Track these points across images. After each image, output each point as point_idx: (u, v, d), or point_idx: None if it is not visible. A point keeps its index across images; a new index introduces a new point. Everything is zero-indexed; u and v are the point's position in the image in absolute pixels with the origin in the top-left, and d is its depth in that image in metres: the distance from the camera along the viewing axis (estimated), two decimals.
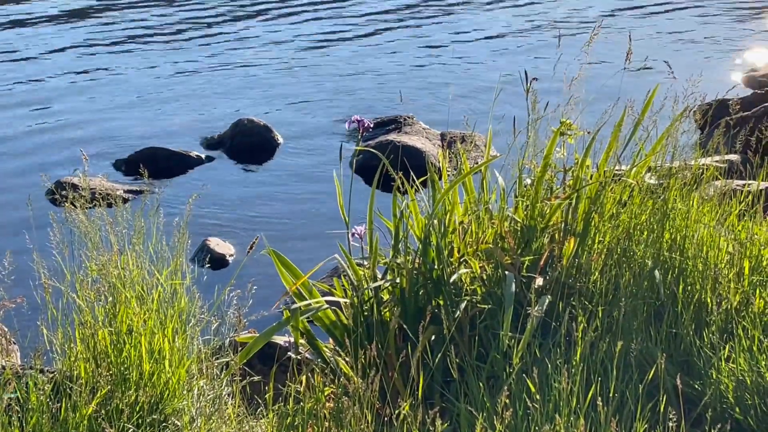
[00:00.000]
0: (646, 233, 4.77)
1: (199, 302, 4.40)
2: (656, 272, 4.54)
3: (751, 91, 10.09)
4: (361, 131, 5.08)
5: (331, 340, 4.84)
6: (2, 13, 15.33)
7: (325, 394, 4.10)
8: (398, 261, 4.64)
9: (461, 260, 4.68)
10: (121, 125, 10.47)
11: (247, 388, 4.40)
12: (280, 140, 10.02)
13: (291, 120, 10.63)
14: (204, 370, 4.23)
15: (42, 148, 9.83)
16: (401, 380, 4.31)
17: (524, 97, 4.99)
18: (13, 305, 4.19)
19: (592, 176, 4.85)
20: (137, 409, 3.95)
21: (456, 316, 4.32)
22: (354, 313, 4.55)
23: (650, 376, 3.91)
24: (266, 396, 4.19)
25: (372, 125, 5.29)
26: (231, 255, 7.51)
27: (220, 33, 14.37)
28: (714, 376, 4.13)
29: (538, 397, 3.81)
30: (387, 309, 4.66)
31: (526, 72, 5.02)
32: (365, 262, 4.79)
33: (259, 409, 4.33)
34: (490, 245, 4.67)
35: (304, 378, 4.10)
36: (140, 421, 3.93)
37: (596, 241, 4.78)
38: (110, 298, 4.18)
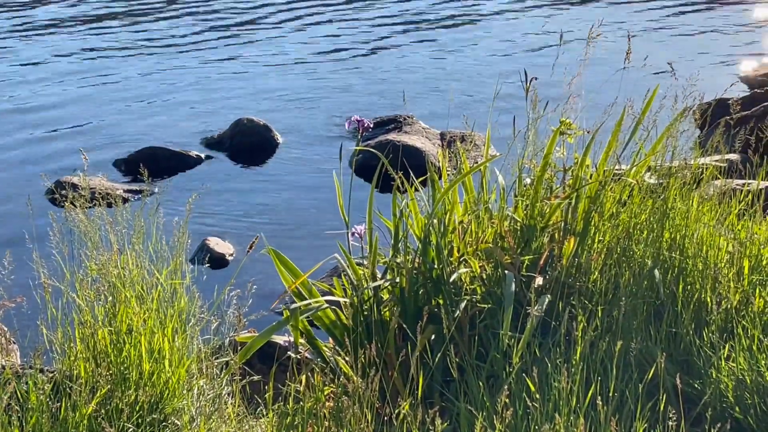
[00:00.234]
0: (645, 233, 4.77)
1: (198, 302, 4.40)
2: (656, 272, 4.54)
3: (751, 91, 10.09)
4: (360, 131, 5.08)
5: (330, 339, 4.84)
6: (4, 16, 15.33)
7: (325, 393, 4.10)
8: (398, 260, 4.64)
9: (461, 260, 4.68)
10: (121, 125, 10.47)
11: (246, 387, 4.40)
12: (280, 140, 10.02)
13: (291, 120, 10.63)
14: (204, 370, 4.23)
15: (42, 148, 9.83)
16: (401, 380, 4.31)
17: (524, 96, 4.99)
18: (13, 305, 4.20)
19: (591, 176, 4.85)
20: (137, 408, 3.94)
21: (456, 315, 4.32)
22: (354, 313, 4.55)
23: (650, 376, 3.91)
24: (266, 395, 4.19)
25: (372, 125, 5.29)
26: (231, 254, 7.51)
27: (220, 33, 14.37)
28: (714, 375, 4.13)
29: (537, 396, 3.82)
30: (387, 308, 4.66)
31: (525, 71, 5.02)
32: (365, 262, 4.79)
33: (258, 409, 4.33)
34: (490, 245, 4.67)
35: (303, 377, 4.10)
36: (140, 420, 3.93)
37: (596, 240, 4.78)
38: (110, 298, 4.18)
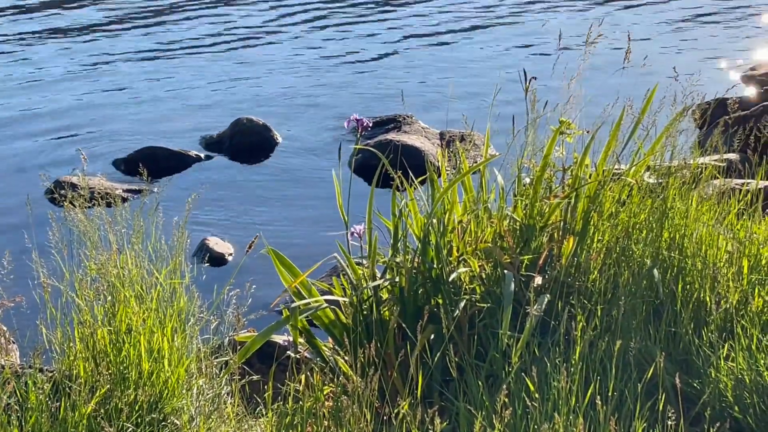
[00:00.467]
0: (645, 232, 4.77)
1: (198, 301, 4.40)
2: (655, 271, 4.54)
3: (750, 90, 10.10)
4: (360, 130, 5.08)
5: (330, 339, 4.84)
6: (3, 15, 15.33)
7: (324, 393, 4.10)
8: (397, 260, 4.64)
9: (460, 259, 4.69)
10: (120, 125, 10.47)
11: (246, 387, 4.41)
12: (279, 139, 10.02)
13: (290, 119, 10.63)
14: (203, 369, 4.23)
15: (41, 148, 9.83)
16: (400, 379, 4.31)
17: (523, 96, 4.99)
18: (12, 304, 4.20)
19: (591, 175, 4.86)
20: (136, 408, 3.94)
21: (455, 315, 4.32)
22: (353, 312, 4.55)
23: (649, 375, 3.91)
24: (265, 395, 4.19)
25: (371, 124, 5.29)
26: (230, 254, 7.52)
27: (219, 33, 14.36)
28: (713, 374, 4.13)
29: (537, 395, 3.82)
30: (386, 308, 4.66)
31: (525, 71, 5.02)
32: (364, 261, 4.79)
33: (258, 408, 4.33)
34: (489, 244, 4.67)
35: (303, 377, 4.10)
36: (139, 420, 3.93)
37: (595, 240, 4.78)
38: (109, 298, 4.18)
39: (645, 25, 14.31)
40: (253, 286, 4.44)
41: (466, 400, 4.04)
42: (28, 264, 4.25)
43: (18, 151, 9.78)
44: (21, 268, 4.30)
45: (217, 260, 7.37)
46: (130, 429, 3.88)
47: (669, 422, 3.54)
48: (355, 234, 4.79)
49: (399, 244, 4.69)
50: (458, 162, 5.01)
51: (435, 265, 4.62)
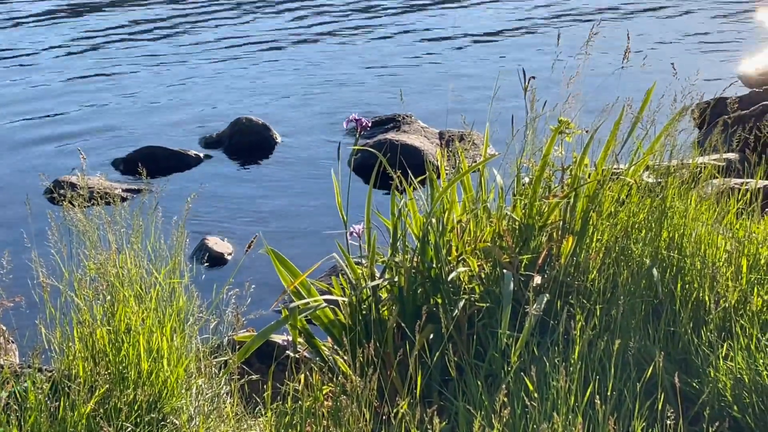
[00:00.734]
0: (644, 232, 4.77)
1: (197, 301, 4.40)
2: (654, 271, 4.54)
3: (750, 90, 10.10)
4: (359, 130, 5.08)
5: (329, 338, 4.84)
6: (1, 16, 15.33)
7: (324, 392, 4.10)
8: (396, 260, 4.64)
9: (459, 259, 4.69)
10: (120, 124, 10.47)
11: (245, 386, 4.41)
12: (279, 139, 10.02)
13: (289, 119, 10.63)
14: (202, 369, 4.23)
15: (40, 147, 9.83)
16: (399, 379, 4.31)
17: (522, 95, 4.99)
18: (12, 304, 4.20)
19: (590, 175, 4.86)
20: (136, 407, 3.94)
21: (454, 314, 4.32)
22: (352, 312, 4.55)
23: (648, 375, 3.92)
24: (264, 394, 4.19)
25: (370, 124, 5.29)
26: (229, 254, 7.52)
27: (219, 32, 14.37)
28: (712, 374, 4.13)
29: (536, 395, 3.82)
30: (385, 308, 4.66)
31: (524, 70, 5.03)
32: (363, 261, 4.79)
33: (257, 408, 4.33)
34: (489, 244, 4.67)
35: (302, 376, 4.10)
36: (139, 419, 3.93)
37: (594, 239, 4.78)
38: (108, 297, 4.18)
39: (644, 25, 14.31)
40: (253, 286, 4.44)
41: (465, 399, 4.04)
42: (27, 263, 4.25)
43: (17, 150, 9.78)
44: (20, 268, 4.29)
45: (217, 260, 7.37)
46: (129, 428, 3.88)
47: (668, 422, 3.54)
48: (354, 233, 4.79)
49: (398, 244, 4.69)
50: (457, 161, 5.01)
51: (434, 265, 4.62)
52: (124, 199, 8.10)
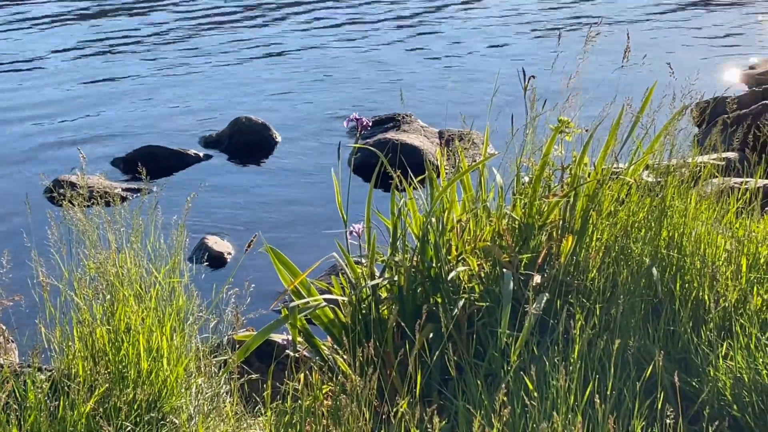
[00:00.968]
0: (643, 231, 4.77)
1: (197, 300, 4.40)
2: (654, 270, 4.54)
3: (749, 89, 10.10)
4: (359, 129, 5.08)
5: (329, 338, 4.84)
6: (1, 12, 15.32)
7: (323, 391, 4.10)
8: (396, 259, 4.64)
9: (459, 258, 4.69)
10: (120, 124, 10.47)
11: (245, 386, 4.41)
12: (278, 138, 10.02)
13: (289, 118, 10.63)
14: (202, 368, 4.23)
15: (40, 147, 9.83)
16: (399, 378, 4.31)
17: (522, 95, 4.99)
18: (11, 303, 4.20)
19: (590, 174, 4.86)
20: (135, 407, 3.94)
21: (454, 314, 4.32)
22: (352, 311, 4.55)
23: (648, 374, 3.92)
24: (264, 394, 4.19)
25: (370, 123, 5.29)
26: (229, 253, 7.51)
27: (218, 32, 14.36)
28: (711, 373, 4.13)
29: (535, 394, 3.82)
30: (385, 307, 4.66)
31: (524, 70, 5.03)
32: (363, 260, 4.79)
33: (257, 407, 4.33)
34: (488, 243, 4.67)
35: (302, 376, 4.10)
36: (138, 419, 3.93)
37: (594, 238, 4.78)
38: (108, 296, 4.18)
39: (645, 24, 14.31)
40: (252, 285, 4.44)
41: (465, 398, 4.04)
42: (27, 263, 4.25)
43: (17, 150, 9.78)
44: (20, 267, 4.30)
45: (216, 259, 7.37)
46: (129, 428, 3.88)
47: (668, 421, 3.54)
48: (354, 233, 4.79)
49: (398, 243, 4.69)
50: (457, 161, 5.01)
51: (434, 264, 4.62)
52: (123, 199, 8.10)
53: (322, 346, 4.77)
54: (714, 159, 5.34)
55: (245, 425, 4.13)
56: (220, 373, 4.26)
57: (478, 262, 4.64)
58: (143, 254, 4.38)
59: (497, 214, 4.75)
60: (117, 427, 3.85)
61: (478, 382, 4.04)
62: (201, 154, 9.57)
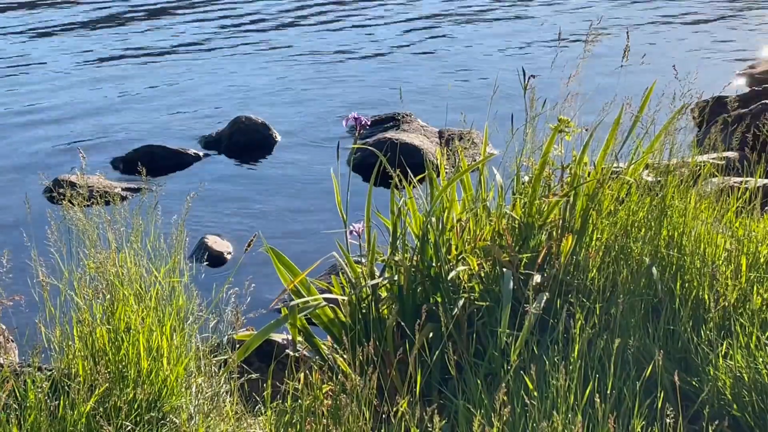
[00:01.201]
0: (643, 230, 4.77)
1: (197, 300, 4.40)
2: (654, 269, 4.55)
3: (749, 88, 10.10)
4: (358, 129, 5.08)
5: (329, 337, 4.84)
6: (3, 16, 15.32)
7: (323, 391, 4.10)
8: (396, 258, 4.64)
9: (459, 257, 4.69)
10: (119, 124, 10.47)
11: (245, 385, 4.41)
12: (278, 138, 10.02)
13: (289, 118, 10.63)
14: (202, 368, 4.23)
15: (40, 147, 9.82)
16: (399, 377, 4.31)
17: (522, 94, 4.99)
18: (11, 303, 4.20)
19: (590, 173, 4.86)
20: (135, 406, 3.95)
21: (454, 313, 4.32)
22: (352, 311, 4.55)
23: (648, 373, 3.92)
24: (264, 393, 4.19)
25: (370, 123, 5.29)
26: (229, 252, 7.51)
27: (218, 31, 14.36)
28: (711, 372, 4.13)
29: (535, 394, 3.82)
30: (385, 306, 4.67)
31: (523, 69, 5.03)
32: (363, 260, 4.79)
33: (257, 407, 4.33)
34: (488, 242, 4.67)
35: (302, 375, 4.10)
36: (138, 418, 3.94)
37: (594, 238, 4.78)
38: (108, 296, 4.18)
39: (644, 24, 14.31)
40: (252, 285, 4.44)
41: (465, 398, 4.04)
42: (26, 262, 4.25)
43: (17, 149, 9.78)
44: (20, 267, 4.30)
45: (216, 259, 7.37)
46: (129, 427, 3.88)
47: (668, 420, 3.54)
48: (354, 232, 4.79)
49: (398, 243, 4.69)
50: (457, 160, 5.01)
51: (434, 264, 4.62)
52: (123, 198, 8.10)
53: (322, 346, 4.77)
54: (714, 158, 5.34)
55: (245, 425, 4.13)
56: (220, 373, 4.27)
57: (478, 262, 4.65)
58: (143, 254, 4.38)
59: (497, 214, 4.76)
60: (117, 426, 3.85)
61: (478, 381, 4.04)
62: (201, 154, 9.57)
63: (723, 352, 4.18)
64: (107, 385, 3.93)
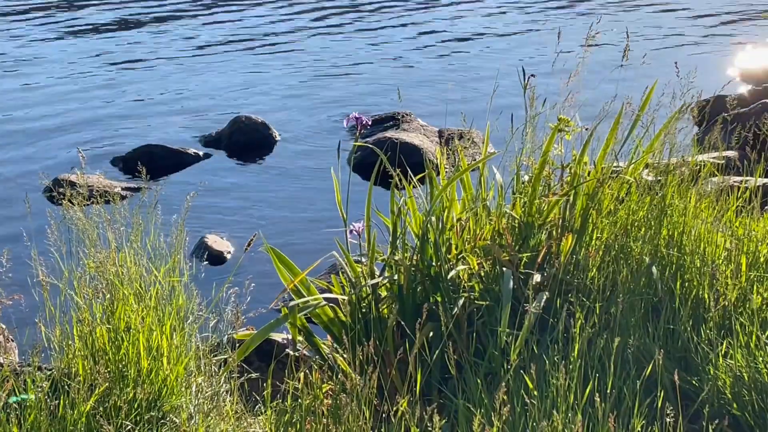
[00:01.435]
0: (643, 230, 4.77)
1: (197, 299, 4.40)
2: (654, 268, 4.55)
3: (749, 88, 10.10)
4: (359, 128, 5.08)
5: (329, 336, 4.84)
6: (3, 18, 15.32)
7: (323, 390, 4.10)
8: (396, 258, 4.64)
9: (459, 257, 4.69)
10: (119, 123, 10.47)
11: (245, 385, 4.41)
12: (278, 137, 10.02)
13: (289, 117, 10.63)
14: (202, 367, 4.23)
15: (40, 146, 9.83)
16: (399, 377, 4.31)
17: (522, 93, 4.99)
18: (11, 302, 4.20)
19: (589, 173, 4.86)
20: (135, 406, 3.95)
21: (454, 312, 4.32)
22: (352, 310, 4.55)
23: (648, 372, 3.92)
24: (264, 393, 4.19)
25: (370, 122, 5.29)
26: (229, 252, 7.51)
27: (218, 31, 14.36)
28: (711, 372, 4.13)
29: (535, 393, 3.82)
30: (385, 306, 4.67)
31: (523, 68, 5.03)
32: (363, 259, 4.79)
33: (257, 406, 4.33)
34: (488, 242, 4.67)
35: (302, 375, 4.10)
36: (138, 418, 3.93)
37: (594, 237, 4.78)
38: (108, 296, 4.18)
39: (644, 23, 14.31)
40: (252, 284, 4.44)
41: (465, 397, 4.04)
42: (26, 262, 4.25)
43: (17, 149, 9.77)
44: (20, 267, 4.29)
45: (216, 258, 7.37)
46: (129, 427, 3.88)
47: (667, 419, 3.54)
48: (354, 232, 4.79)
49: (398, 242, 4.69)
50: (457, 160, 5.01)
51: (434, 263, 4.62)
52: (123, 198, 8.10)
53: (322, 345, 4.77)
54: (714, 157, 5.34)
55: (245, 424, 4.13)
56: (220, 372, 4.27)
57: (478, 261, 4.65)
58: (143, 253, 4.38)
59: (497, 213, 4.76)
60: (117, 426, 3.85)
61: (478, 380, 4.04)
62: (200, 153, 9.57)
63: (723, 352, 4.19)
64: (107, 384, 3.93)
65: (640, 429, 3.70)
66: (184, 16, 15.12)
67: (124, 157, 9.35)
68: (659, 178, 4.90)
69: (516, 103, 5.16)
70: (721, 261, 4.64)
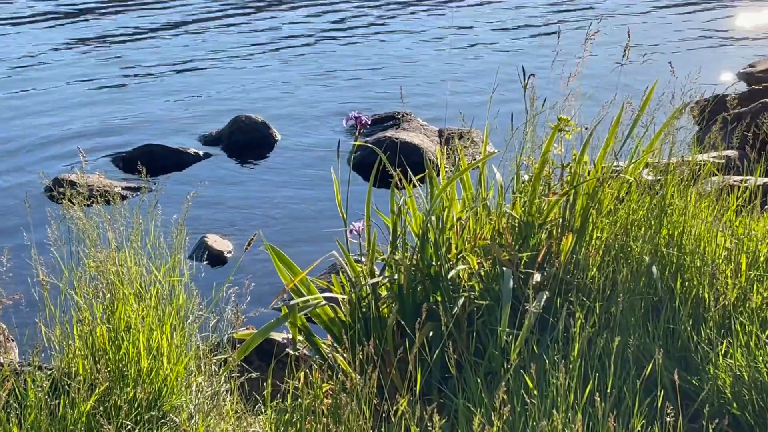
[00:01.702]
0: (643, 229, 4.77)
1: (197, 299, 4.40)
2: (654, 268, 4.55)
3: (749, 87, 10.10)
4: (359, 128, 5.08)
5: (329, 336, 4.84)
6: (3, 17, 15.32)
7: (323, 390, 4.10)
8: (396, 257, 4.64)
9: (459, 256, 4.69)
10: (119, 122, 10.47)
11: (245, 384, 4.41)
12: (278, 137, 10.02)
13: (289, 116, 10.63)
14: (202, 367, 4.24)
15: (40, 146, 9.82)
16: (399, 376, 4.31)
17: (522, 93, 4.99)
18: (11, 302, 4.20)
19: (589, 172, 4.86)
20: (135, 405, 3.95)
21: (454, 312, 4.32)
22: (352, 310, 4.55)
23: (648, 372, 3.92)
24: (264, 392, 4.19)
25: (370, 122, 5.29)
26: (229, 252, 7.51)
27: (218, 30, 14.36)
28: (711, 371, 4.13)
29: (535, 392, 3.82)
30: (385, 305, 4.67)
31: (523, 68, 5.03)
32: (363, 259, 4.79)
33: (257, 406, 4.33)
34: (488, 241, 4.67)
35: (302, 374, 4.10)
36: (138, 417, 3.94)
37: (594, 237, 4.78)
38: (108, 295, 4.18)
39: (645, 22, 14.30)
40: (252, 284, 4.44)
41: (465, 397, 4.04)
42: (27, 262, 4.25)
43: (17, 149, 9.77)
44: (20, 266, 4.30)
45: (216, 258, 7.37)
46: (129, 426, 3.88)
47: (667, 419, 3.54)
48: (354, 231, 4.79)
49: (398, 242, 4.69)
50: (457, 159, 5.01)
51: (434, 263, 4.62)
52: (123, 198, 8.10)
53: (322, 345, 4.77)
54: (714, 157, 5.34)
55: (245, 424, 4.13)
56: (221, 372, 4.27)
57: (478, 261, 4.65)
58: (143, 253, 4.38)
59: (497, 213, 4.76)
60: (117, 425, 3.85)
61: (478, 380, 4.04)
62: (201, 153, 9.57)
63: (723, 351, 4.19)
64: (107, 384, 3.93)
65: (640, 428, 3.70)
66: (184, 16, 15.12)
67: (124, 156, 9.35)
68: (659, 177, 4.90)
69: (516, 103, 5.16)
70: (721, 260, 4.64)
